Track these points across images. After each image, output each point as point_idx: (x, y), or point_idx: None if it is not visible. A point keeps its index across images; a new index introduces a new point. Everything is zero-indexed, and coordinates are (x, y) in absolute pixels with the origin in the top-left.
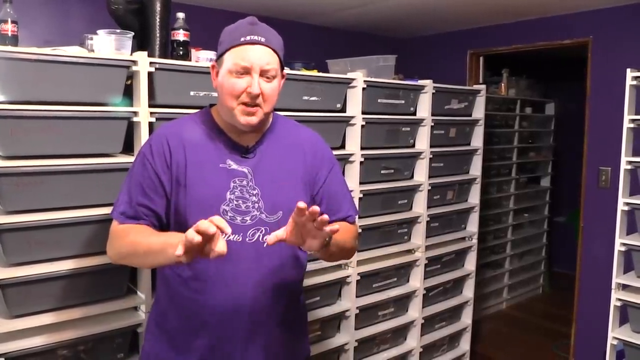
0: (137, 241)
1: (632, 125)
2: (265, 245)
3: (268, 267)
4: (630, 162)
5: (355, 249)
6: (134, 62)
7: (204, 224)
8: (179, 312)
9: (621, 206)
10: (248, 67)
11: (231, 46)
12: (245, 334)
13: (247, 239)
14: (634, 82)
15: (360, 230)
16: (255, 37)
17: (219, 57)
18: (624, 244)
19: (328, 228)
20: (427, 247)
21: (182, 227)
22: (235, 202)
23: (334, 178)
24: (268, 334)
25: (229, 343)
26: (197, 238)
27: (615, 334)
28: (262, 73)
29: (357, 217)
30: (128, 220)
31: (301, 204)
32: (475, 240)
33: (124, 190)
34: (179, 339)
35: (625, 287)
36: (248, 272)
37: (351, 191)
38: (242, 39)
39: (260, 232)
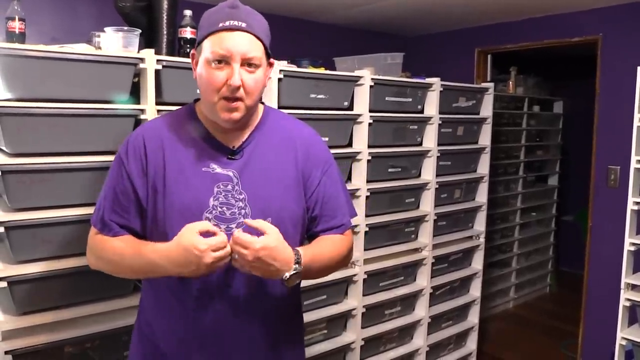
0: (121, 252)
1: None
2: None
3: (257, 277)
4: None
5: (347, 261)
6: (141, 60)
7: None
8: (165, 322)
9: (631, 205)
10: (227, 55)
11: (209, 33)
12: (236, 346)
13: None
14: None
15: (367, 229)
16: (235, 23)
17: (198, 44)
18: (634, 244)
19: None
20: (434, 246)
21: (162, 237)
22: (219, 209)
23: (328, 181)
24: (261, 345)
25: (217, 357)
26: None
27: (625, 334)
28: (244, 62)
29: (352, 220)
30: (104, 231)
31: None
32: (482, 239)
33: (102, 195)
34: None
35: (634, 287)
36: (237, 283)
37: (357, 189)
38: (221, 25)
39: None
